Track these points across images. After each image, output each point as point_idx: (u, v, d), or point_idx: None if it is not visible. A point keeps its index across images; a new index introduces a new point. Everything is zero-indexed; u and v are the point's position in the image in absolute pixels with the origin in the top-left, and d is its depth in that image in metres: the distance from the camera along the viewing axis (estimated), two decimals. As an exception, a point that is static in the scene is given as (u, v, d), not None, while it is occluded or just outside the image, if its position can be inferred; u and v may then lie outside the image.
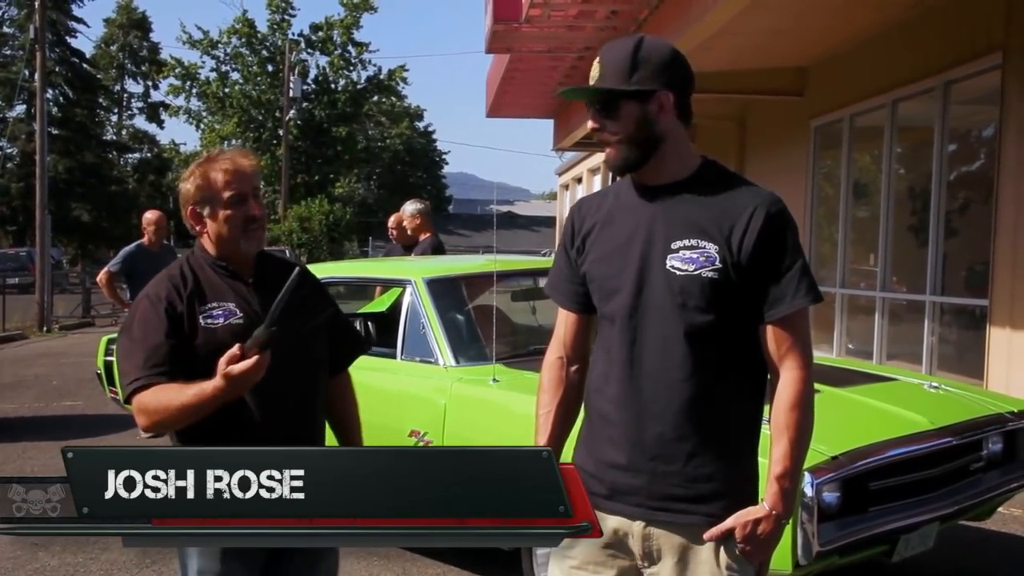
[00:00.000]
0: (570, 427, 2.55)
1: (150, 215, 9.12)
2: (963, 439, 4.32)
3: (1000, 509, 5.15)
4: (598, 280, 2.41)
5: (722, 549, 2.27)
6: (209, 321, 2.64)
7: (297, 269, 2.48)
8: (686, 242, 2.27)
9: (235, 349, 2.43)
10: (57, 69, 48.65)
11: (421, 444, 4.84)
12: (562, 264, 2.54)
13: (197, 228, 2.76)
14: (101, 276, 8.86)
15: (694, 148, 2.42)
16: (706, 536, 2.26)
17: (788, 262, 2.25)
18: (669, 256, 2.28)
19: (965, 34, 9.02)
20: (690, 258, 2.26)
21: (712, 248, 2.25)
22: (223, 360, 2.43)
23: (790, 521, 3.49)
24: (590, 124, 2.37)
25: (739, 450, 2.32)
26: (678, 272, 2.27)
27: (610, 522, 2.34)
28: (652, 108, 2.30)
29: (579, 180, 32.22)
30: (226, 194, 2.68)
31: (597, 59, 2.36)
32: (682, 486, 2.29)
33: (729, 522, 2.25)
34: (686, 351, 2.27)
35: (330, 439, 2.94)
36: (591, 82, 2.36)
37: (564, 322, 2.56)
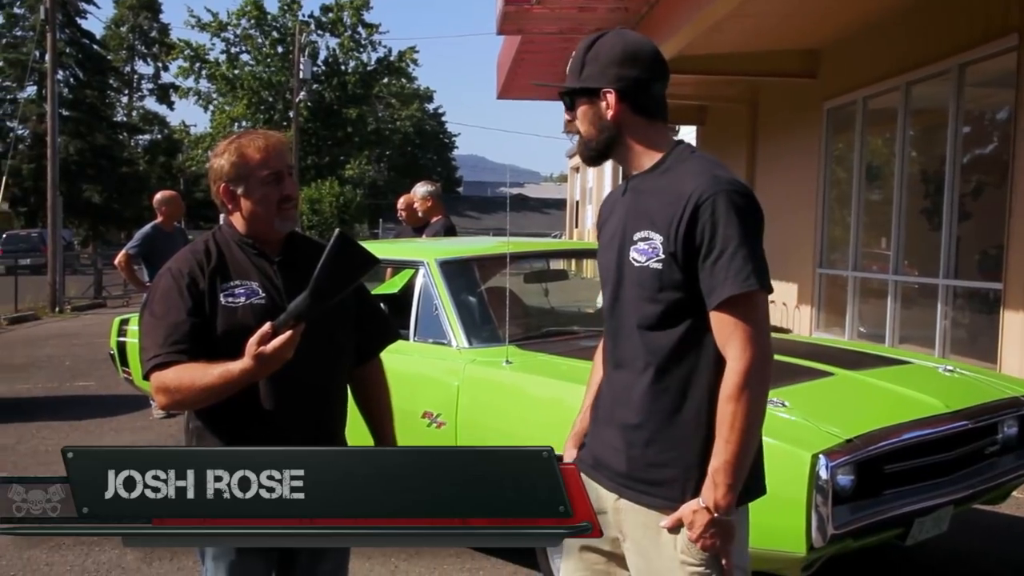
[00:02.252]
0: None
1: (164, 194, 9.13)
2: (978, 423, 4.30)
3: (1015, 493, 5.13)
4: (600, 273, 2.53)
5: (683, 534, 2.29)
6: (230, 300, 2.60)
7: (337, 231, 2.42)
8: (641, 233, 2.33)
9: (267, 327, 2.38)
10: (67, 50, 48.66)
11: (434, 426, 4.85)
12: None
13: (229, 206, 2.69)
14: (120, 258, 8.86)
15: (670, 137, 2.44)
16: (661, 525, 2.31)
17: (718, 250, 2.21)
18: (631, 248, 2.35)
19: (980, 15, 8.95)
20: (643, 249, 2.32)
21: (658, 239, 2.29)
22: (253, 339, 2.38)
23: (792, 513, 3.52)
24: (565, 116, 2.49)
25: (700, 438, 2.29)
26: (636, 264, 2.33)
27: (596, 492, 2.42)
28: (602, 105, 2.37)
29: (590, 162, 32.16)
30: (262, 172, 2.63)
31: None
32: (643, 470, 2.35)
33: (677, 513, 2.28)
34: (643, 340, 2.34)
35: (360, 428, 2.92)
36: None
37: None
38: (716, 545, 2.26)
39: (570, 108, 2.44)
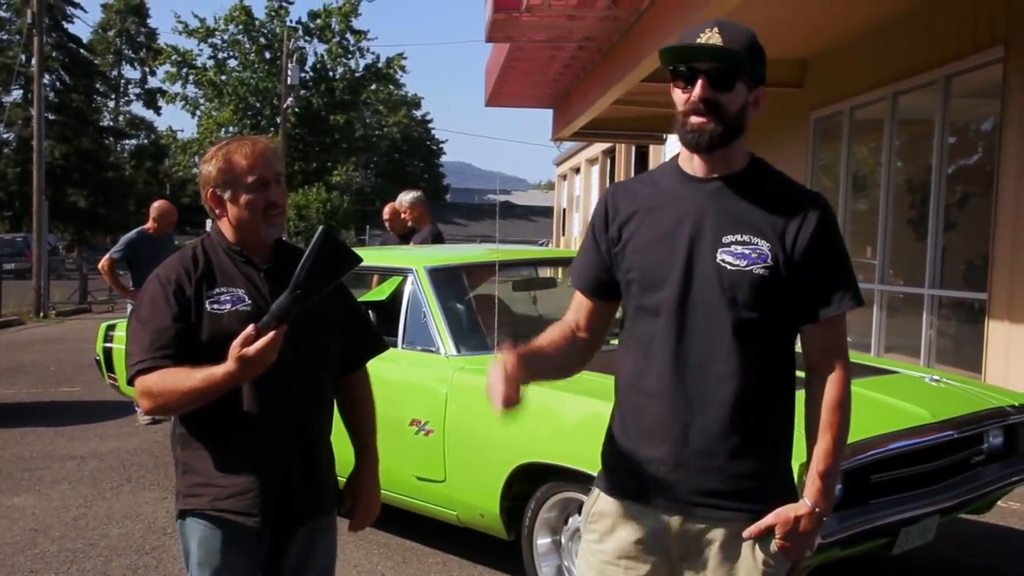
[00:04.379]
0: (552, 365, 2.43)
1: (163, 204, 9.12)
2: (964, 432, 4.32)
3: (999, 503, 5.17)
4: (639, 270, 2.34)
5: (758, 545, 2.26)
6: (215, 307, 2.60)
7: (321, 228, 2.43)
8: (738, 237, 2.25)
9: (250, 330, 2.38)
10: (54, 54, 48.50)
11: (422, 433, 4.84)
12: (589, 250, 2.48)
13: (216, 211, 2.69)
14: (103, 263, 8.83)
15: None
16: (746, 534, 2.25)
17: (839, 263, 2.28)
18: (720, 250, 2.25)
19: (967, 27, 9.00)
20: (742, 253, 2.24)
21: (765, 245, 2.24)
22: (237, 342, 2.37)
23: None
24: (698, 89, 2.23)
25: (779, 447, 2.32)
26: (729, 267, 2.24)
27: (647, 518, 2.33)
28: (751, 98, 2.30)
29: (577, 170, 32.23)
30: (248, 178, 2.62)
31: (714, 29, 2.25)
32: (724, 482, 2.26)
33: (769, 519, 2.24)
34: (733, 346, 2.24)
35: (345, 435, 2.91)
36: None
37: (580, 305, 2.51)
38: (808, 549, 2.28)
39: (719, 85, 2.23)
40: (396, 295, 5.56)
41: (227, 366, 2.40)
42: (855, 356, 6.83)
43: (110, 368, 7.45)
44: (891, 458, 4.01)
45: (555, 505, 4.39)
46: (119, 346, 7.19)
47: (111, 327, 7.58)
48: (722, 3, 8.98)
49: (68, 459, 7.47)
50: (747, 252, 2.23)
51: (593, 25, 12.31)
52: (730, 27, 2.26)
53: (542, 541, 4.48)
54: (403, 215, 8.39)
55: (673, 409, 2.27)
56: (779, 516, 2.24)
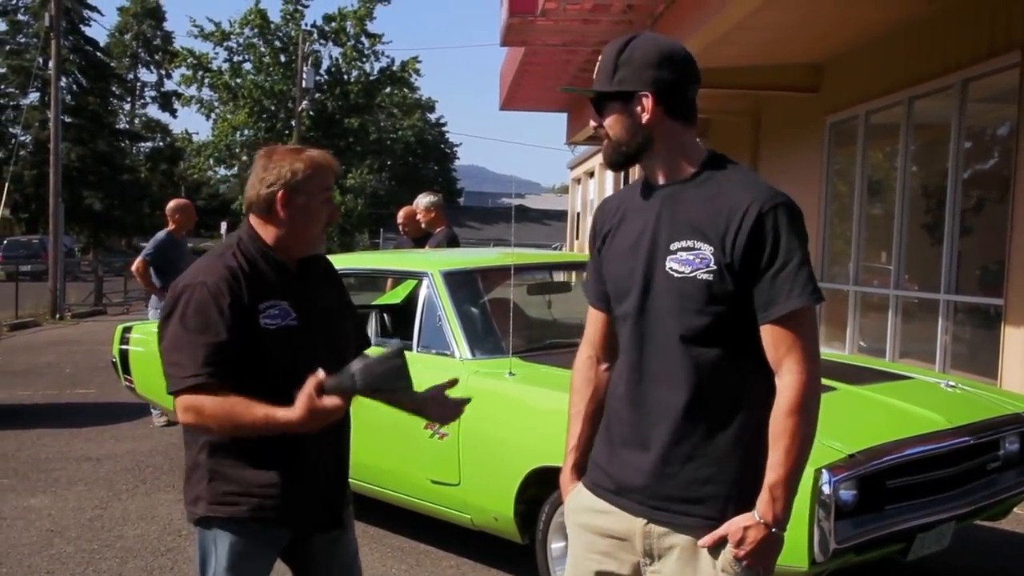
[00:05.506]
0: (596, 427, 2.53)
1: (181, 201, 9.13)
2: (980, 439, 4.31)
3: (1016, 509, 5.14)
4: (612, 281, 2.42)
5: (722, 553, 2.24)
6: (267, 322, 2.58)
7: (399, 347, 2.51)
8: (684, 243, 2.25)
9: (321, 377, 2.38)
10: (71, 57, 48.74)
11: (436, 437, 4.85)
12: (591, 264, 2.55)
13: (276, 210, 2.64)
14: (137, 264, 8.80)
15: (700, 144, 2.38)
16: (700, 543, 2.25)
17: (781, 261, 2.18)
18: (668, 258, 2.26)
19: (983, 32, 8.97)
20: (687, 260, 2.24)
21: (707, 249, 2.21)
22: (306, 392, 2.37)
23: (795, 528, 3.52)
24: (591, 123, 2.42)
25: (741, 454, 2.26)
26: (675, 274, 2.24)
27: (617, 517, 2.36)
28: (636, 108, 2.29)
29: (591, 174, 32.20)
30: (324, 188, 2.69)
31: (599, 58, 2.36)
32: (680, 488, 2.27)
33: (721, 529, 2.23)
34: (684, 354, 2.25)
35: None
36: None
37: (593, 320, 2.56)
38: (765, 561, 2.23)
39: (598, 113, 2.35)
40: (411, 298, 5.57)
41: (295, 413, 2.40)
42: (869, 361, 6.84)
43: (126, 370, 7.48)
44: (907, 464, 4.00)
45: (569, 509, 4.39)
46: (135, 348, 7.21)
47: (127, 329, 7.60)
48: (737, 8, 9.00)
49: (84, 460, 7.51)
50: (690, 258, 2.24)
51: (608, 29, 12.33)
52: (605, 51, 2.36)
53: (556, 545, 4.48)
54: (418, 216, 8.40)
55: (635, 416, 2.33)
56: (730, 527, 2.22)
